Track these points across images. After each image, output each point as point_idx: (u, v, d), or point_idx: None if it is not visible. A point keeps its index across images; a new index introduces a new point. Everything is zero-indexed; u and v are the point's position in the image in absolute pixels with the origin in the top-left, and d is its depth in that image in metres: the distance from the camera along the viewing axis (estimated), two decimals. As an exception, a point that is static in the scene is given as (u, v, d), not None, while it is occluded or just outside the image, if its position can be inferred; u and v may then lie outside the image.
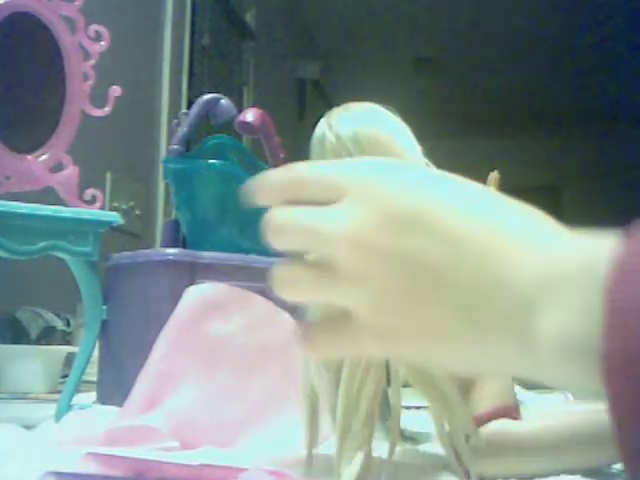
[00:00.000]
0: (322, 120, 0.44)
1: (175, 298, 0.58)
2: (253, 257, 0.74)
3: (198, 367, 0.55)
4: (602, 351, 0.24)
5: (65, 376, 0.93)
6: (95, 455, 0.45)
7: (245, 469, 0.43)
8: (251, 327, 0.57)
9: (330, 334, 0.33)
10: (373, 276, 0.31)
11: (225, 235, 0.78)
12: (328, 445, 0.47)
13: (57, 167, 0.76)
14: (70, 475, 0.44)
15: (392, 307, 0.31)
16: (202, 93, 0.88)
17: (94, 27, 0.77)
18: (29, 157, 0.74)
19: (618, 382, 0.23)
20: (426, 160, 0.43)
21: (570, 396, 0.76)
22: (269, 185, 0.36)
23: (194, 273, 0.70)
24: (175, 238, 0.82)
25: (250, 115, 0.87)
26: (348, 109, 0.44)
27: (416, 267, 0.30)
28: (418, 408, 0.59)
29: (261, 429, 0.54)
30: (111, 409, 0.60)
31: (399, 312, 0.31)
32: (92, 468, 0.45)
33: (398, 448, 0.42)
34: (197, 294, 0.58)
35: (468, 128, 4.96)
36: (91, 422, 0.56)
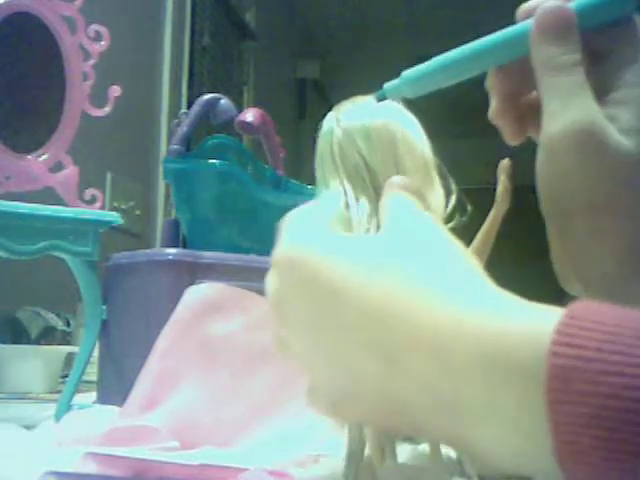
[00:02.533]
0: (329, 115, 0.43)
1: (175, 298, 0.58)
2: (253, 257, 0.74)
3: (198, 367, 0.55)
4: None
5: (65, 376, 0.93)
6: (95, 455, 0.45)
7: (245, 469, 0.43)
8: (251, 327, 0.57)
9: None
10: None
11: (225, 235, 0.78)
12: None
13: (57, 167, 0.76)
14: (70, 475, 0.44)
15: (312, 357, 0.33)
16: (202, 93, 0.88)
17: (94, 27, 0.77)
18: (29, 157, 0.74)
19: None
20: (434, 157, 0.43)
21: None
22: None
23: (194, 273, 0.70)
24: (175, 238, 0.82)
25: (250, 115, 0.87)
26: (356, 102, 0.43)
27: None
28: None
29: (261, 429, 0.53)
30: (111, 409, 0.60)
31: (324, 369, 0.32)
32: (92, 468, 0.44)
33: (398, 448, 0.42)
34: (197, 294, 0.58)
35: (469, 128, 4.96)
36: (91, 422, 0.56)
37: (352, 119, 0.42)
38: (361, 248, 0.32)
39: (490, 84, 0.40)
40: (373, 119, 0.41)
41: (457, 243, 0.32)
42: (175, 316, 0.57)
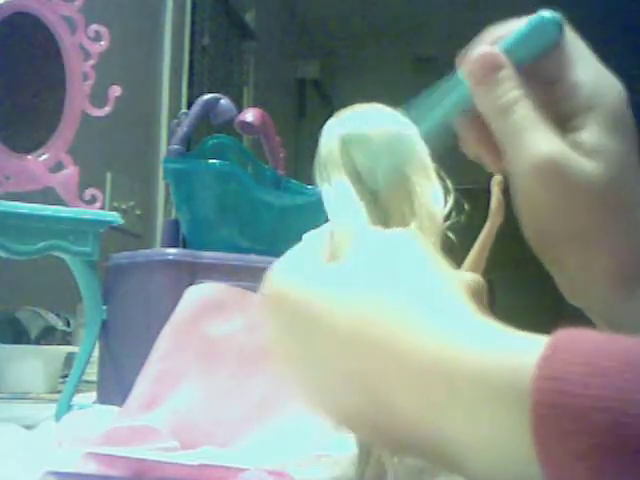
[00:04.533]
0: (329, 122, 0.44)
1: (175, 298, 0.58)
2: (253, 257, 0.74)
3: (198, 367, 0.55)
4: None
5: (65, 376, 0.94)
6: (95, 455, 0.45)
7: (245, 469, 0.43)
8: (251, 327, 0.57)
9: None
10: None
11: (225, 235, 0.78)
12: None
13: (57, 167, 0.76)
14: (70, 475, 0.44)
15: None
16: (202, 93, 0.88)
17: (94, 27, 0.77)
18: (29, 157, 0.74)
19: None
20: (433, 163, 0.43)
21: None
22: None
23: (194, 273, 0.70)
24: (175, 238, 0.82)
25: (250, 115, 0.87)
26: (355, 110, 0.43)
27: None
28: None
29: (261, 429, 0.53)
30: (111, 409, 0.60)
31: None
32: (92, 468, 0.44)
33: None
34: (197, 294, 0.58)
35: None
36: (91, 422, 0.56)
37: (352, 126, 0.42)
38: (339, 278, 0.31)
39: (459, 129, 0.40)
40: (373, 126, 0.42)
41: (441, 266, 0.31)
42: (175, 316, 0.57)
